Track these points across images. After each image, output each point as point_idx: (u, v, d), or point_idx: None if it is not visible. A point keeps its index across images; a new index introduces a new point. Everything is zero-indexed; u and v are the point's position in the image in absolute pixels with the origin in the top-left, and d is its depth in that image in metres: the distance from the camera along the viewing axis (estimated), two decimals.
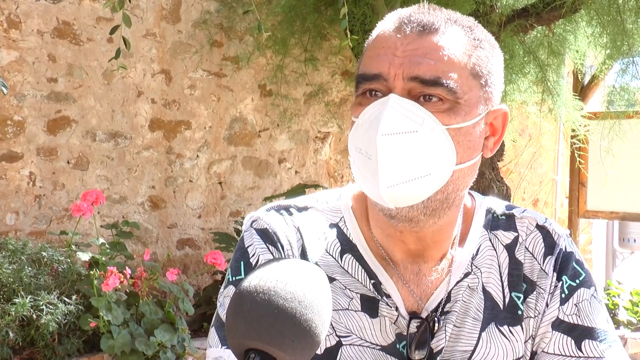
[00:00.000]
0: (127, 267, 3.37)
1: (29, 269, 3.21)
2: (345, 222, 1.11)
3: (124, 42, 3.22)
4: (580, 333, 1.07)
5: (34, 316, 3.05)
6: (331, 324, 1.04)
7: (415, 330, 1.06)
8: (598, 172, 4.93)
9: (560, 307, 1.09)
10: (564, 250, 1.11)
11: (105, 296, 3.18)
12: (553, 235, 1.12)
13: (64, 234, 3.60)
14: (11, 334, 3.02)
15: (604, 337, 1.07)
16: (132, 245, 4.20)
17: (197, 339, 3.78)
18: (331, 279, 1.06)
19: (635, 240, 6.37)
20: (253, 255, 1.07)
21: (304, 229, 1.10)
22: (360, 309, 1.06)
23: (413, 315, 1.06)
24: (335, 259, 1.09)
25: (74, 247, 3.48)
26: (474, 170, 1.05)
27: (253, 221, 1.10)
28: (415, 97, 0.98)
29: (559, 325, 1.08)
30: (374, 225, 1.09)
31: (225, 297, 1.07)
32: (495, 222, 1.13)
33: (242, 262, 1.08)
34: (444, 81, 0.97)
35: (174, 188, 4.46)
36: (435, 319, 1.06)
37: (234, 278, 1.08)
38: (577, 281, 1.10)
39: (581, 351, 1.06)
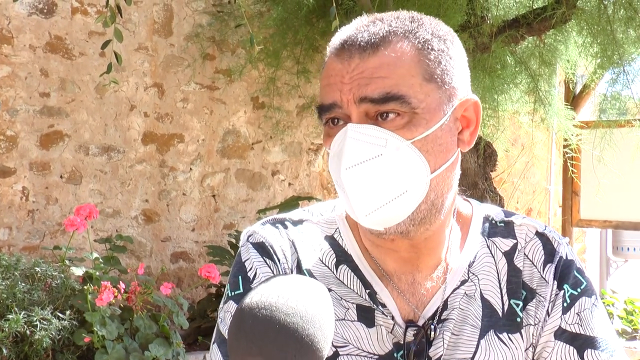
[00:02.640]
0: (121, 282, 3.35)
1: (23, 284, 3.18)
2: (340, 233, 1.12)
3: (115, 57, 3.22)
4: (582, 342, 1.07)
5: (28, 332, 3.02)
6: None
7: (413, 338, 1.05)
8: (591, 181, 4.94)
9: (562, 317, 1.08)
10: (564, 258, 1.11)
11: (100, 311, 3.16)
12: (553, 242, 1.12)
13: (58, 249, 3.58)
14: (5, 351, 2.99)
15: (606, 347, 1.06)
16: (126, 259, 4.18)
17: (192, 352, 3.75)
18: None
19: (629, 249, 6.38)
20: (250, 269, 1.07)
21: (298, 242, 1.10)
22: (356, 319, 1.06)
23: (409, 323, 1.06)
24: (330, 270, 1.09)
25: (67, 262, 3.46)
26: (454, 170, 1.03)
27: (249, 235, 1.11)
28: (373, 119, 0.98)
29: (561, 334, 1.08)
30: (364, 238, 1.10)
31: (225, 312, 1.07)
32: (493, 229, 1.13)
33: (239, 277, 1.08)
34: (394, 94, 0.96)
35: (167, 201, 4.45)
36: (432, 326, 1.05)
37: (233, 293, 1.08)
38: (579, 290, 1.10)
39: None
